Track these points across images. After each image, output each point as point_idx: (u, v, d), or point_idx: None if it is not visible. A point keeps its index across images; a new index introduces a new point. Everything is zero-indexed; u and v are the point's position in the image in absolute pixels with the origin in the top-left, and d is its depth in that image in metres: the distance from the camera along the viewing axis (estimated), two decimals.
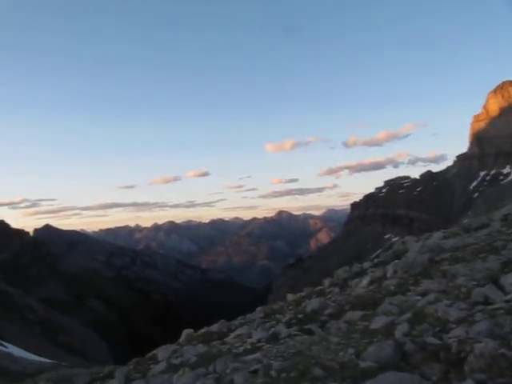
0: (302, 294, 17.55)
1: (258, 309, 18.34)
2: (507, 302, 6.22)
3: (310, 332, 8.20)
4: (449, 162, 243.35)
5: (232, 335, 11.17)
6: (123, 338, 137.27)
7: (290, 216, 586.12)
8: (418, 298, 8.03)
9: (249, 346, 8.16)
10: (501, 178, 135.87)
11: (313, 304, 11.12)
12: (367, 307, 8.97)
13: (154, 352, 13.20)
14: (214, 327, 15.24)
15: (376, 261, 19.75)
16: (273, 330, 9.07)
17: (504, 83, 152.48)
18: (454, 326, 5.52)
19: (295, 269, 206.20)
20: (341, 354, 5.53)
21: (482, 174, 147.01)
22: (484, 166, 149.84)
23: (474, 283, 7.44)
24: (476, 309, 6.07)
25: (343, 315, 8.65)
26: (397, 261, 14.38)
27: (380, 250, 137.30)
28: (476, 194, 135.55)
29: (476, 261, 9.36)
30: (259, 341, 8.51)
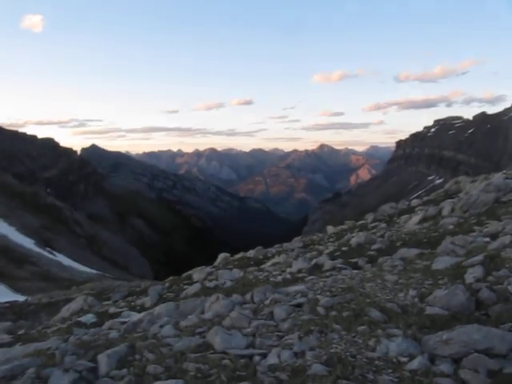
0: (344, 226, 16.83)
1: (296, 238, 17.83)
2: None
3: (357, 266, 7.45)
4: (507, 104, 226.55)
5: (269, 263, 10.67)
6: (163, 256, 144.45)
7: (332, 150, 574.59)
8: (487, 239, 7.03)
9: (289, 276, 7.54)
10: None
11: (358, 237, 10.32)
12: (422, 245, 8.08)
13: (189, 272, 13.07)
14: (251, 253, 14.92)
15: (425, 199, 18.58)
16: (315, 260, 8.39)
17: None
18: None
19: (332, 203, 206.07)
20: (400, 294, 4.73)
21: None
22: None
23: None
24: None
25: (395, 252, 7.81)
26: (453, 199, 13.22)
27: (422, 191, 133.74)
28: None
29: None
30: (300, 271, 7.88)
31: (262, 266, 10.57)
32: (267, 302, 5.00)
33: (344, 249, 9.74)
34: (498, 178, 14.22)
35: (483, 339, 3.25)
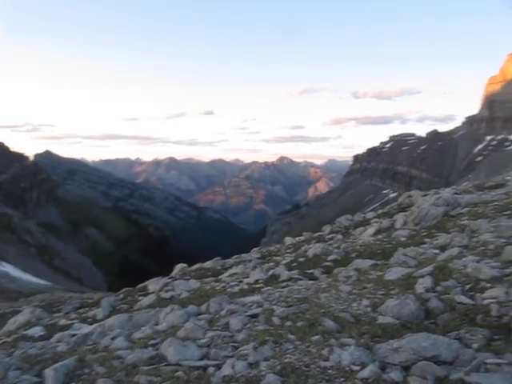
0: (301, 238, 17.01)
1: (254, 249, 17.85)
2: None
3: (313, 277, 7.55)
4: (457, 123, 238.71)
5: (227, 273, 10.60)
6: (117, 267, 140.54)
7: (291, 162, 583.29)
8: (437, 251, 7.31)
9: (246, 287, 7.53)
10: (506, 144, 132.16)
11: (315, 249, 10.47)
12: (376, 256, 8.29)
13: (145, 283, 12.77)
14: (208, 264, 14.76)
15: (380, 212, 19.11)
16: (272, 271, 8.43)
17: None
18: (488, 285, 4.76)
19: (291, 215, 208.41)
20: (354, 304, 4.82)
21: (488, 138, 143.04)
22: (492, 130, 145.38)
23: (504, 241, 6.65)
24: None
25: (350, 263, 7.98)
26: (405, 213, 13.67)
27: (377, 204, 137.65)
28: (480, 158, 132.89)
29: (500, 218, 8.57)
30: (257, 282, 7.88)
31: (220, 277, 10.49)
32: (223, 312, 4.97)
33: (301, 260, 9.84)
34: (447, 192, 14.87)
35: (431, 347, 3.36)
